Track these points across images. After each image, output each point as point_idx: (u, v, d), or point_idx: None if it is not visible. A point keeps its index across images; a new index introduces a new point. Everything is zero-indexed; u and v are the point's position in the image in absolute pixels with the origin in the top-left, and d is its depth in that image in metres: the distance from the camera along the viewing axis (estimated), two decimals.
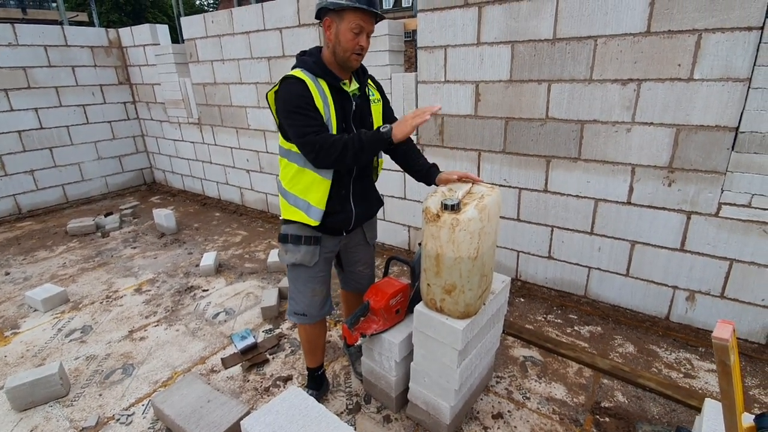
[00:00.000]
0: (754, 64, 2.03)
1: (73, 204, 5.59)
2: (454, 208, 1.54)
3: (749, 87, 2.07)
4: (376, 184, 2.01)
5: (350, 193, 1.79)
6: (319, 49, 1.69)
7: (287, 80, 1.59)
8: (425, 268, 1.71)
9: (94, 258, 3.96)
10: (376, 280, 2.12)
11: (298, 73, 1.59)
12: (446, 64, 2.98)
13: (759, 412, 1.18)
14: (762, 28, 1.97)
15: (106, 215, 4.99)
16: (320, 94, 1.59)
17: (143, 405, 2.17)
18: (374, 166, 1.92)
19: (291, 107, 1.56)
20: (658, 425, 1.85)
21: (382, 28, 3.22)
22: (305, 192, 1.71)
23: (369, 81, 1.82)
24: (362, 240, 2.00)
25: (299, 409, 1.57)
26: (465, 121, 3.04)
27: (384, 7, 28.11)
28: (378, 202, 2.00)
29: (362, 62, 1.79)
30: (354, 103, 1.69)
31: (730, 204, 2.27)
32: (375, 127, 1.79)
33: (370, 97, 1.78)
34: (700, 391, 2.15)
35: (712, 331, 2.69)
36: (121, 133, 5.96)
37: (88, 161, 5.70)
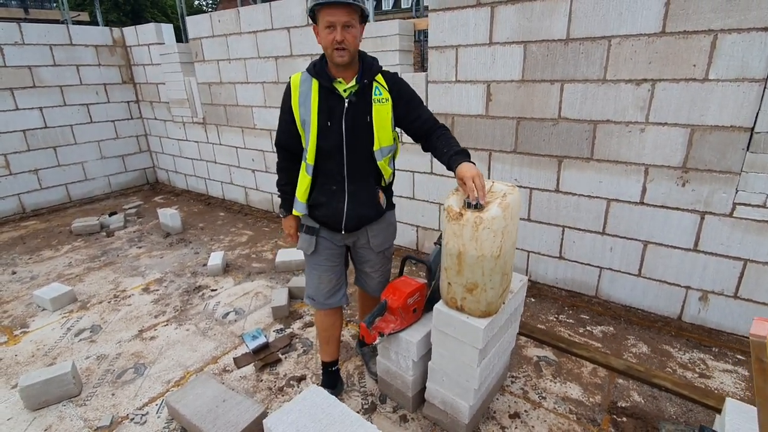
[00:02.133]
0: None
1: (76, 203, 5.57)
2: (478, 206, 1.54)
3: (765, 87, 2.08)
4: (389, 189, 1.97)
5: (344, 190, 1.79)
6: None
7: None
8: (446, 266, 1.70)
9: (100, 257, 3.93)
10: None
11: (295, 74, 1.76)
12: (457, 63, 2.98)
13: None
14: None
15: (111, 215, 4.96)
16: (303, 93, 1.71)
17: (156, 405, 2.15)
18: (371, 167, 1.81)
19: (280, 107, 1.83)
20: (681, 425, 1.85)
21: (392, 27, 3.22)
22: (298, 185, 1.86)
23: (379, 79, 1.74)
24: (366, 243, 1.97)
25: (321, 408, 1.56)
26: (476, 121, 3.04)
27: (383, 9, 28.01)
28: (374, 206, 1.86)
29: (375, 59, 1.77)
30: (347, 101, 1.69)
31: (745, 204, 2.27)
32: (374, 127, 1.73)
33: (374, 96, 1.72)
34: (716, 391, 2.15)
35: (725, 332, 2.68)
36: (124, 132, 5.95)
37: (92, 160, 5.68)
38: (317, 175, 1.81)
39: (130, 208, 5.32)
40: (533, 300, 3.03)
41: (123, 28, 5.60)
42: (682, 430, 1.77)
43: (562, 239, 2.95)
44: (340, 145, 1.72)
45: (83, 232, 4.50)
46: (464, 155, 1.64)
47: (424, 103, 1.87)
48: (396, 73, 1.83)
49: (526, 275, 3.21)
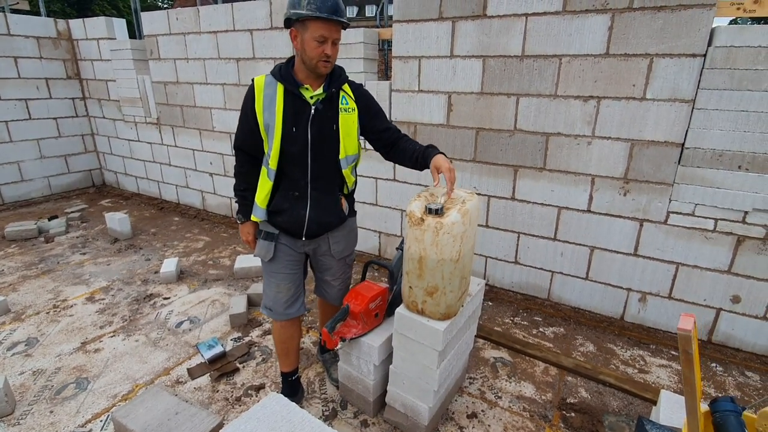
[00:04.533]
0: (698, 87, 2.26)
1: (10, 206, 5.13)
2: (438, 212, 1.59)
3: (693, 107, 2.30)
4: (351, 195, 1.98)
5: (307, 197, 1.78)
6: None
7: None
8: (407, 270, 1.74)
9: (38, 265, 3.64)
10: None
11: (259, 76, 1.72)
12: (420, 74, 3.06)
13: (713, 397, 1.30)
14: (704, 55, 2.21)
15: (50, 219, 4.61)
16: (267, 97, 1.68)
17: (101, 421, 2.02)
18: (335, 174, 1.82)
19: (241, 108, 1.79)
20: (622, 417, 1.98)
21: (357, 36, 3.26)
22: (258, 190, 1.82)
23: (346, 88, 1.77)
24: (328, 250, 1.97)
25: (281, 416, 1.53)
26: (437, 130, 3.13)
27: (348, 16, 28.01)
28: (337, 212, 1.88)
29: (342, 69, 1.80)
30: (313, 108, 1.69)
31: (677, 212, 2.50)
32: (340, 135, 1.74)
33: (341, 106, 1.74)
34: (653, 385, 2.32)
35: (662, 330, 2.89)
36: (67, 131, 5.56)
37: (29, 160, 5.27)
38: (279, 180, 1.78)
39: (72, 212, 4.96)
40: (491, 303, 3.14)
41: (69, 21, 5.27)
42: (623, 420, 1.90)
43: (518, 245, 3.09)
44: (305, 151, 1.72)
45: (18, 237, 4.15)
46: (436, 149, 1.74)
47: (389, 111, 1.92)
48: (361, 84, 1.86)
49: (485, 279, 3.32)
